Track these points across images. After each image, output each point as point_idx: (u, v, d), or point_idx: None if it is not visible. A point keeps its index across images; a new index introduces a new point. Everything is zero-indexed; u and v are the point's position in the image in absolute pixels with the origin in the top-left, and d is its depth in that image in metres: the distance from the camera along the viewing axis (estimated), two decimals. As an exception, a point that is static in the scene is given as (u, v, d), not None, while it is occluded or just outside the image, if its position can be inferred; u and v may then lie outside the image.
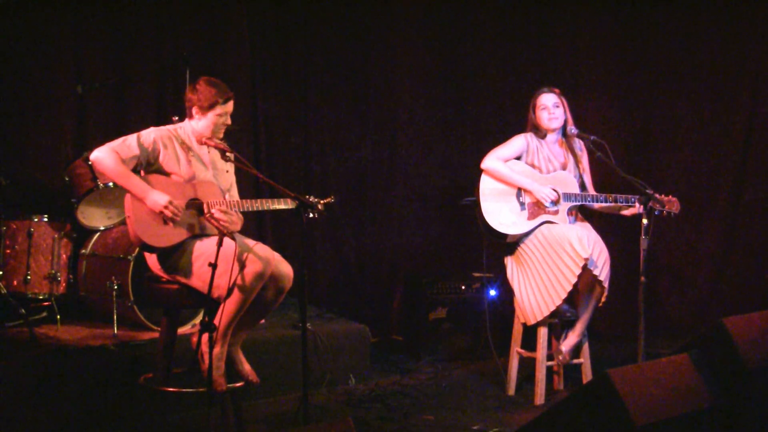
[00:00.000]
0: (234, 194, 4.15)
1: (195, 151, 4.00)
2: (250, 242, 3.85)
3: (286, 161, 6.24)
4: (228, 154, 3.98)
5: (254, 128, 6.10)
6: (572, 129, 4.80)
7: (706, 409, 2.92)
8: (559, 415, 2.92)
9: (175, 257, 3.83)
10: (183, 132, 4.01)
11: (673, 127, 6.29)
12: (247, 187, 5.75)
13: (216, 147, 4.00)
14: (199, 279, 3.78)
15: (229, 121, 4.04)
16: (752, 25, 6.05)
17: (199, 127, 3.99)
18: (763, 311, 3.33)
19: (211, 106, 3.95)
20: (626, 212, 4.74)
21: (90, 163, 4.92)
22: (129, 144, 3.83)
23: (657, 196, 4.50)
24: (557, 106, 4.79)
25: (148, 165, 3.90)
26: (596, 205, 4.79)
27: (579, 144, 4.89)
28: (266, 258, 3.77)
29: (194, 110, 3.98)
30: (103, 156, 3.79)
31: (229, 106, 4.01)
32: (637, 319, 4.34)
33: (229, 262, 3.63)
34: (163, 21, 5.78)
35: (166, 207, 3.74)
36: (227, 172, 4.12)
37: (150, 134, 3.91)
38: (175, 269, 3.84)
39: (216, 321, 3.66)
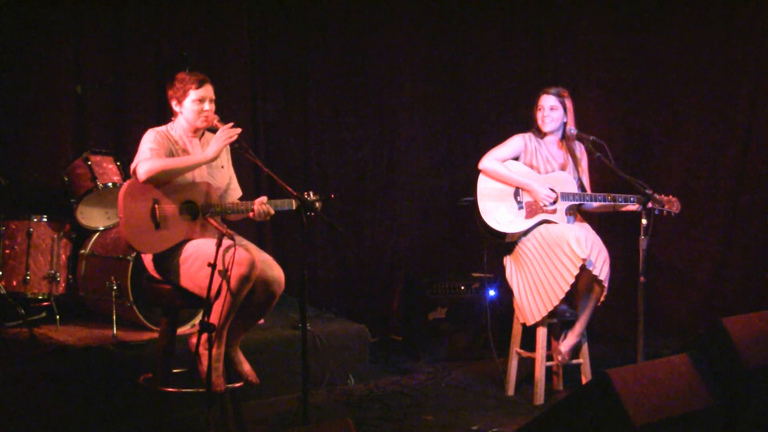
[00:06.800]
0: (235, 188, 4.11)
1: (189, 150, 3.94)
2: (242, 242, 3.82)
3: (286, 162, 6.23)
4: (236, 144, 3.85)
5: (253, 129, 6.08)
6: (571, 129, 4.78)
7: (706, 409, 2.93)
8: (559, 415, 2.92)
9: (167, 260, 3.81)
10: (175, 132, 3.95)
11: (673, 127, 6.28)
12: (247, 185, 5.75)
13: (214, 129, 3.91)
14: (188, 280, 3.77)
15: (209, 108, 3.91)
16: (752, 24, 6.05)
17: (183, 120, 3.94)
18: (762, 311, 3.33)
19: (185, 93, 3.88)
20: (626, 208, 4.73)
21: (89, 163, 4.93)
22: (145, 153, 3.78)
23: (656, 196, 4.50)
24: (553, 109, 4.76)
25: None
26: (595, 204, 4.79)
27: (579, 147, 4.88)
28: (252, 260, 3.69)
29: (174, 104, 3.93)
30: (145, 171, 3.70)
31: (204, 90, 3.89)
32: (636, 319, 4.34)
33: (219, 262, 3.58)
34: (162, 21, 5.76)
35: None
36: (222, 167, 4.04)
37: (153, 134, 3.87)
38: (166, 271, 3.82)
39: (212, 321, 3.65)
